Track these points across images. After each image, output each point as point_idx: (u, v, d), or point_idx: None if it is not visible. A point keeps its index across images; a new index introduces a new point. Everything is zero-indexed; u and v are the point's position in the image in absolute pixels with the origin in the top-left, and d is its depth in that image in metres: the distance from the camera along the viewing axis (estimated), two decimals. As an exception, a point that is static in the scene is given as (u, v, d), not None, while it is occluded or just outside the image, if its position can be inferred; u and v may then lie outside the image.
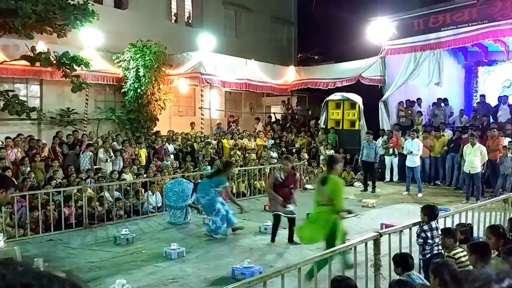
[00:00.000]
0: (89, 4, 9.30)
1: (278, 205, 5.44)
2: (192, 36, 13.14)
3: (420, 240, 3.81)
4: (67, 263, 4.98)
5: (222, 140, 11.30)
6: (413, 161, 9.20)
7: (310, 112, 14.90)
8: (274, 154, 11.08)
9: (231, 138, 11.40)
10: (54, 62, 9.28)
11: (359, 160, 10.25)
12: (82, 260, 5.11)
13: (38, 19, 8.40)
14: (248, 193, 9.10)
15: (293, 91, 14.63)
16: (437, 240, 3.77)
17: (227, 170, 6.36)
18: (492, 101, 11.30)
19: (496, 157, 8.66)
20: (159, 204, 7.69)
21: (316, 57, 19.02)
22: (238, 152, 10.86)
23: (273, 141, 12.08)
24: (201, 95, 12.72)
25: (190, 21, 15.19)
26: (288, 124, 14.10)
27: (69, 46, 10.00)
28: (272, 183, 5.58)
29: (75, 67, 9.46)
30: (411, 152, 9.13)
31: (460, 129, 10.42)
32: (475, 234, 4.37)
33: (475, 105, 12.21)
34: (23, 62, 9.37)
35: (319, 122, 12.87)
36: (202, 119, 12.59)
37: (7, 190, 3.02)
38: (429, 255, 3.74)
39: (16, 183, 6.42)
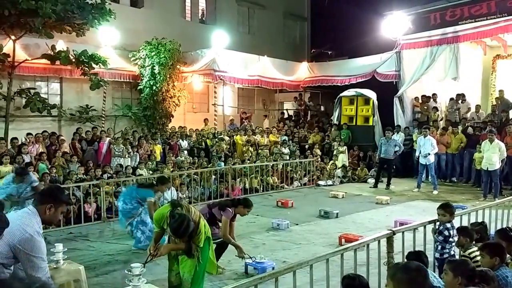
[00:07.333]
0: (106, 3, 9.51)
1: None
2: (205, 33, 13.25)
3: (441, 238, 3.71)
4: (86, 255, 5.18)
5: (235, 136, 11.40)
6: (427, 158, 9.04)
7: (323, 108, 14.80)
8: (286, 150, 11.10)
9: (244, 134, 11.48)
10: (73, 60, 9.55)
11: (377, 157, 10.10)
12: (100, 252, 5.30)
13: (58, 18, 8.66)
14: (261, 188, 9.18)
15: (306, 87, 14.56)
16: (454, 239, 3.70)
17: (159, 186, 5.44)
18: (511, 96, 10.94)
19: (515, 154, 8.42)
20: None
21: (329, 53, 18.85)
22: (250, 148, 10.94)
23: (286, 137, 12.10)
24: (215, 92, 12.83)
25: (203, 18, 15.29)
26: (301, 120, 14.07)
27: (87, 45, 10.28)
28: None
29: (93, 65, 9.72)
30: (428, 154, 8.90)
31: (480, 124, 10.14)
32: (491, 232, 4.28)
33: (493, 100, 11.86)
34: (44, 60, 9.68)
35: (332, 118, 12.79)
36: (215, 115, 12.71)
37: (58, 206, 2.39)
38: (447, 254, 3.67)
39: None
